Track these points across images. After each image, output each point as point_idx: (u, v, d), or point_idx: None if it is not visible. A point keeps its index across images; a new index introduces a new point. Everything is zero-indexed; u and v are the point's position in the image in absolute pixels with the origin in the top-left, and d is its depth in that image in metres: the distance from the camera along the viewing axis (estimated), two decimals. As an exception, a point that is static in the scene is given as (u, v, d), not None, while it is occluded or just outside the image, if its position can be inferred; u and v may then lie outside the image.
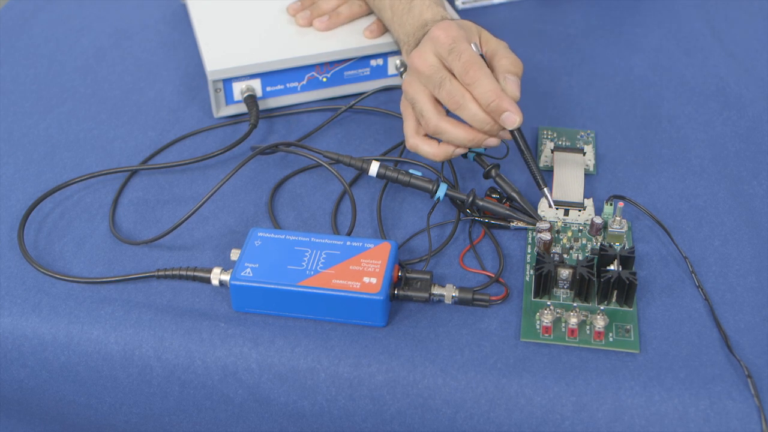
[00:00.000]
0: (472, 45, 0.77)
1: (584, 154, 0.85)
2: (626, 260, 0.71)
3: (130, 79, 1.02)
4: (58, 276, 0.76)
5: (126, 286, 0.75)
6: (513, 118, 0.74)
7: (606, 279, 0.70)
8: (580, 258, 0.76)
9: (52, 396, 0.74)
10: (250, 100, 0.92)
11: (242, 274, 0.71)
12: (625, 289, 0.70)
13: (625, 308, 0.71)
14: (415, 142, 0.80)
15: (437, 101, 0.78)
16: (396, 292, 0.72)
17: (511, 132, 0.77)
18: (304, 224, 0.81)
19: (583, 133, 0.90)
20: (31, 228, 0.81)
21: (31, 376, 0.73)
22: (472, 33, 0.79)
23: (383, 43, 0.95)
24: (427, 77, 0.77)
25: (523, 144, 0.78)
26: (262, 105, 0.94)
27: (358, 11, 0.98)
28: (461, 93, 0.75)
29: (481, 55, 0.77)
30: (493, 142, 0.78)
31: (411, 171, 0.80)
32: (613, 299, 0.72)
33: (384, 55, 0.97)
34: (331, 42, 0.95)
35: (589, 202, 0.80)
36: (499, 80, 0.76)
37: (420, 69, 0.77)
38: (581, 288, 0.71)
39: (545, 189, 0.79)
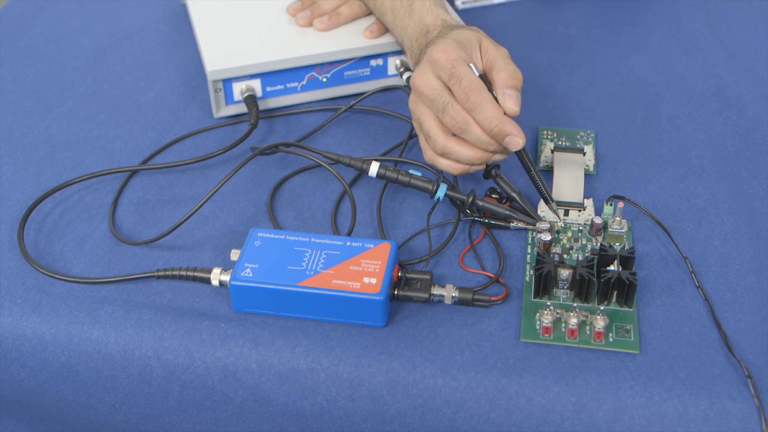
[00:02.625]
0: (472, 66, 0.76)
1: (584, 154, 0.85)
2: (626, 260, 0.71)
3: (130, 79, 1.02)
4: (58, 276, 0.75)
5: (126, 286, 0.75)
6: (516, 141, 0.74)
7: (606, 279, 0.70)
8: (580, 258, 0.76)
9: (52, 396, 0.74)
10: (250, 100, 0.92)
11: (242, 274, 0.71)
12: (625, 290, 0.70)
13: (625, 308, 0.71)
14: (433, 156, 0.79)
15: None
16: (396, 292, 0.72)
17: (516, 151, 0.77)
18: (304, 224, 0.81)
19: (583, 133, 0.90)
20: (31, 228, 0.81)
21: (31, 376, 0.73)
22: (472, 46, 0.78)
23: (383, 43, 0.95)
24: (430, 100, 0.76)
25: (528, 161, 0.79)
26: (262, 105, 0.94)
27: (359, 11, 0.98)
28: (464, 118, 0.75)
29: (481, 76, 0.76)
30: (500, 157, 0.78)
31: (411, 171, 0.80)
32: (613, 299, 0.72)
33: (384, 55, 0.97)
34: (331, 42, 0.95)
35: (589, 203, 0.80)
36: (497, 95, 0.75)
37: (423, 92, 0.77)
38: (581, 288, 0.71)
39: (553, 204, 0.79)
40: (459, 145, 0.76)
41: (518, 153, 0.78)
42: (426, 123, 0.78)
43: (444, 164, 0.78)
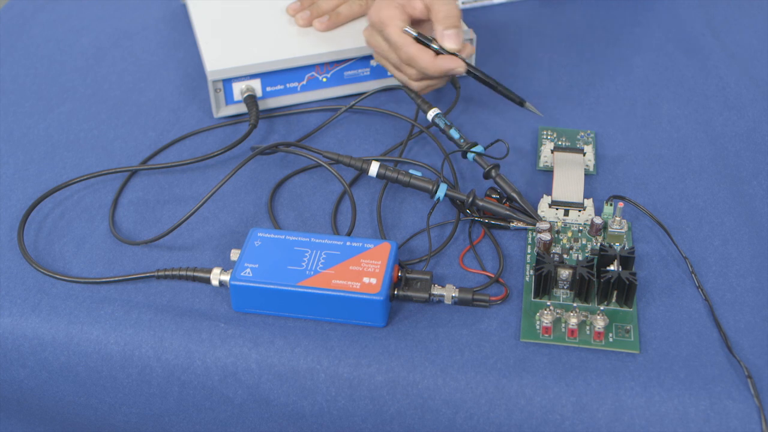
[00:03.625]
0: (399, 23, 0.85)
1: (584, 154, 0.85)
2: (626, 260, 0.71)
3: (130, 79, 1.02)
4: (58, 276, 0.75)
5: (126, 286, 0.75)
6: (458, 71, 0.85)
7: (606, 279, 0.70)
8: (580, 258, 0.76)
9: (52, 396, 0.74)
10: (250, 100, 0.92)
11: (242, 274, 0.71)
12: (625, 290, 0.70)
13: (625, 308, 0.71)
14: (419, 85, 0.89)
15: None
16: (396, 292, 0.72)
17: (468, 71, 0.87)
18: (304, 224, 0.81)
19: (583, 133, 0.90)
20: (31, 228, 0.81)
21: (30, 376, 0.73)
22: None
23: (383, 43, 0.95)
24: (383, 58, 0.89)
25: (481, 75, 0.87)
26: (262, 105, 0.94)
27: (358, 11, 0.98)
28: (414, 71, 0.86)
29: (417, 35, 0.86)
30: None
31: (411, 171, 0.80)
32: (613, 299, 0.72)
33: (384, 55, 0.97)
34: (331, 42, 0.95)
35: (589, 202, 0.80)
36: (437, 38, 0.85)
37: (375, 50, 0.89)
38: (581, 288, 0.71)
39: (527, 105, 0.87)
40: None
41: (472, 75, 0.87)
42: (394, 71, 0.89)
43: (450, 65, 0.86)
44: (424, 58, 0.85)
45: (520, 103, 0.88)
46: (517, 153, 0.88)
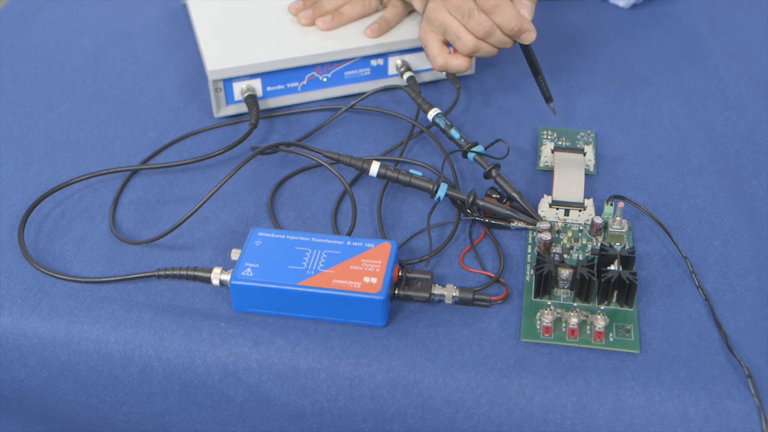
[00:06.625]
0: None
1: (584, 154, 0.85)
2: (626, 260, 0.71)
3: (130, 79, 1.02)
4: (58, 276, 0.75)
5: (126, 285, 0.75)
6: (530, 36, 0.88)
7: (606, 279, 0.70)
8: (581, 258, 0.76)
9: (52, 396, 0.74)
10: (251, 99, 0.92)
11: (242, 273, 0.71)
12: (625, 290, 0.70)
13: (626, 308, 0.71)
14: (444, 60, 0.90)
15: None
16: (396, 292, 0.72)
17: (525, 46, 0.90)
18: (305, 224, 0.81)
19: (583, 133, 0.90)
20: (31, 228, 0.81)
21: (31, 375, 0.73)
22: None
23: (384, 43, 0.95)
24: (455, 7, 0.86)
25: (534, 57, 0.91)
26: (263, 105, 0.94)
27: (361, 11, 0.98)
28: (489, 23, 0.86)
29: None
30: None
31: (411, 171, 0.80)
32: (614, 299, 0.72)
33: (384, 55, 0.97)
34: (331, 42, 0.95)
35: (589, 202, 0.80)
36: (515, 3, 0.87)
37: (449, 0, 0.87)
38: (581, 288, 0.71)
39: (551, 104, 0.91)
40: (485, 44, 0.88)
41: (527, 49, 0.90)
42: (453, 26, 0.88)
43: (456, 64, 0.90)
44: (512, 6, 0.87)
45: (548, 99, 0.92)
46: (518, 153, 0.88)
